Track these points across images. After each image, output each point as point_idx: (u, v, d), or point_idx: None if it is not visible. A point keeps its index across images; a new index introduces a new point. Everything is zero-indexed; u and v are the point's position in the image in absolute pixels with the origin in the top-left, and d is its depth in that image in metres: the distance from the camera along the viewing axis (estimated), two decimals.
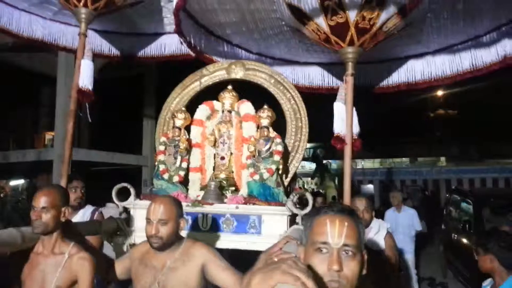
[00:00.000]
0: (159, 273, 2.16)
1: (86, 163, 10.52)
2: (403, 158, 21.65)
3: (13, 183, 14.26)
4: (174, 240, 2.18)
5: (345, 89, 3.26)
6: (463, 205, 7.51)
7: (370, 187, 19.73)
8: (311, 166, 20.34)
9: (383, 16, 3.03)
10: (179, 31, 3.35)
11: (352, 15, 3.02)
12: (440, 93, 17.88)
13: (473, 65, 3.90)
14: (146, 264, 2.23)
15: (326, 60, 4.48)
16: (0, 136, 13.37)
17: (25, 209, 10.24)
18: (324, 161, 19.90)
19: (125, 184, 3.03)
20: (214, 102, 3.54)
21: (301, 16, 3.23)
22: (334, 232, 1.21)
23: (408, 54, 4.23)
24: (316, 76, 4.63)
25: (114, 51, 4.76)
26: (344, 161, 3.27)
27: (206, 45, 3.96)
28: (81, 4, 3.46)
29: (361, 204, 3.36)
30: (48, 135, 13.98)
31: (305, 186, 19.55)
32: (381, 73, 4.44)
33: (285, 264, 0.88)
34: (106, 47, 4.69)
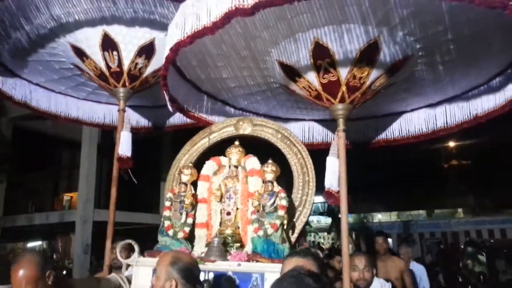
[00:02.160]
0: None
1: (106, 223, 10.71)
2: (420, 211, 21.28)
3: (30, 244, 14.48)
4: None
5: (338, 144, 3.36)
6: (478, 257, 7.45)
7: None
8: (326, 220, 20.06)
9: (373, 75, 3.21)
10: (165, 84, 3.45)
11: (344, 73, 3.19)
12: (452, 144, 17.93)
13: (446, 123, 4.18)
14: None
15: (309, 117, 4.73)
16: (20, 199, 13.69)
17: None
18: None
19: (129, 241, 3.12)
20: (221, 157, 3.61)
21: (292, 74, 3.37)
22: None
23: (387, 112, 4.49)
24: (297, 133, 4.81)
25: (142, 123, 5.26)
26: (341, 216, 3.23)
27: (189, 101, 4.07)
28: (120, 84, 3.95)
29: (360, 263, 3.21)
30: (66, 197, 14.28)
31: (322, 241, 19.25)
32: (362, 130, 4.71)
33: None
34: (134, 121, 5.07)
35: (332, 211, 19.61)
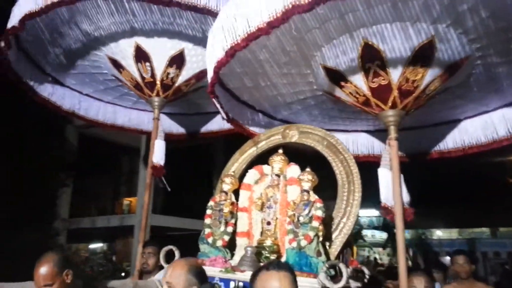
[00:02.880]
0: None
1: (162, 228, 11.13)
2: (483, 228, 20.02)
3: (92, 246, 15.25)
4: None
5: (390, 154, 3.08)
6: None
7: (447, 259, 18.34)
8: (381, 235, 19.39)
9: (427, 78, 2.96)
10: (212, 91, 3.40)
11: (395, 76, 2.93)
12: None
13: (510, 132, 3.81)
14: None
15: (353, 128, 4.55)
16: (84, 203, 14.46)
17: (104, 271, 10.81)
18: None
19: (171, 247, 3.22)
20: (264, 166, 3.59)
21: (338, 78, 3.15)
22: None
23: (438, 121, 4.20)
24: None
25: (181, 131, 5.45)
26: (397, 233, 2.93)
27: (230, 111, 4.00)
28: (154, 94, 4.14)
29: (419, 283, 3.01)
30: (126, 201, 14.92)
31: (378, 257, 18.63)
32: (412, 141, 4.32)
33: None
34: (174, 127, 5.40)
35: (387, 225, 18.87)
